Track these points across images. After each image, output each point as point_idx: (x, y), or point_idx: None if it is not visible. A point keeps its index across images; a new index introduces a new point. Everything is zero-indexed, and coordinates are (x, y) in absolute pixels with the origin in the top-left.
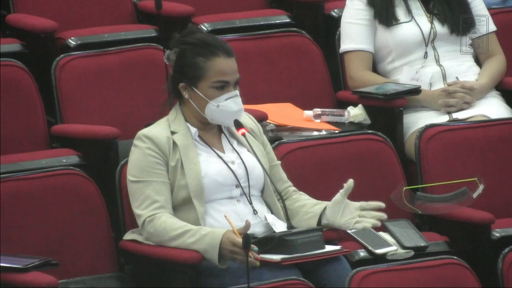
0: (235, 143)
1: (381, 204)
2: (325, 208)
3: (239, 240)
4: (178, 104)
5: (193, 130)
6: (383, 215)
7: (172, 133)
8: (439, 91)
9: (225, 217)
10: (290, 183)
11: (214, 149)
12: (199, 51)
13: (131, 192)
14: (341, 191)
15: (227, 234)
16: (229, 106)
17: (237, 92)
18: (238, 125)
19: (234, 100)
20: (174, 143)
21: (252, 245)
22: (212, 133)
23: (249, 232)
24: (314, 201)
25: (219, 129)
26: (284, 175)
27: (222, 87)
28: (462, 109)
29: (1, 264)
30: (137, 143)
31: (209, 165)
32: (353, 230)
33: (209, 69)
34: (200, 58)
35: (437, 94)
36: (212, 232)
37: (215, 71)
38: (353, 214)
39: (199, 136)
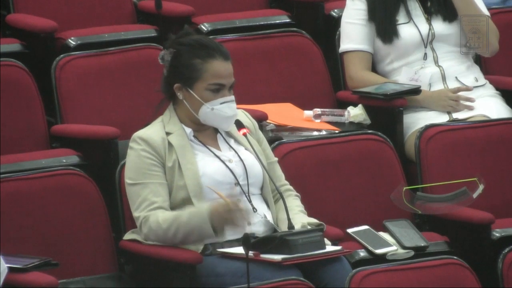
0: (231, 141)
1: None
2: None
3: (222, 202)
4: (171, 105)
5: (188, 130)
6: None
7: (167, 134)
8: (439, 91)
9: (209, 187)
10: (284, 182)
11: (210, 148)
12: (196, 52)
13: (129, 195)
14: None
15: (210, 207)
16: (223, 110)
17: (233, 97)
18: (239, 125)
19: (229, 105)
20: (170, 144)
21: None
22: (207, 133)
23: (249, 231)
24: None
25: (215, 128)
26: (280, 173)
27: (218, 90)
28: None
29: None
30: (132, 145)
31: (206, 164)
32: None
33: (205, 70)
34: (197, 59)
35: (436, 95)
36: (196, 211)
37: (211, 73)
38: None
39: (194, 136)
